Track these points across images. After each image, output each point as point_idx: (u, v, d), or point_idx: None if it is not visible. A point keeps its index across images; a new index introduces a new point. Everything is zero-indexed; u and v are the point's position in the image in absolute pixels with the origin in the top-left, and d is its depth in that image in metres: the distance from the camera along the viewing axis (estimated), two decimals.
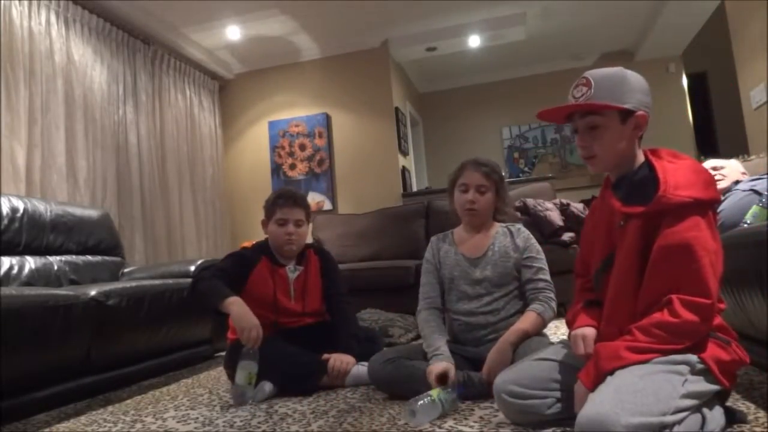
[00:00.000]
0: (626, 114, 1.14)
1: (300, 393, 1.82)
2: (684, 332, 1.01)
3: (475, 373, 1.59)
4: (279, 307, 2.01)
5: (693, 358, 1.01)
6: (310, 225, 2.27)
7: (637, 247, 1.11)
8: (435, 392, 1.41)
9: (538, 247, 1.78)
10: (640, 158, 1.19)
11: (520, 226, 1.82)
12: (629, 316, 1.11)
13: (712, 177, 1.10)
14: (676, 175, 1.08)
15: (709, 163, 2.42)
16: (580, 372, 1.10)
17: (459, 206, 1.76)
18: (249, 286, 2.00)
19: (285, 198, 2.05)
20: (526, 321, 1.62)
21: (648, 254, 1.08)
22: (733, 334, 1.09)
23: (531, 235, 1.79)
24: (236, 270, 2.00)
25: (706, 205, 1.05)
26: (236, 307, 1.79)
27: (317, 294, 2.12)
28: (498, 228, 1.80)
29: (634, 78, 1.17)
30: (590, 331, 1.20)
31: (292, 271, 2.08)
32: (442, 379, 1.50)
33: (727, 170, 2.34)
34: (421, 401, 1.37)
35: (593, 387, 1.03)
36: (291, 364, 1.85)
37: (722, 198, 2.17)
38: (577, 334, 1.20)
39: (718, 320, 1.09)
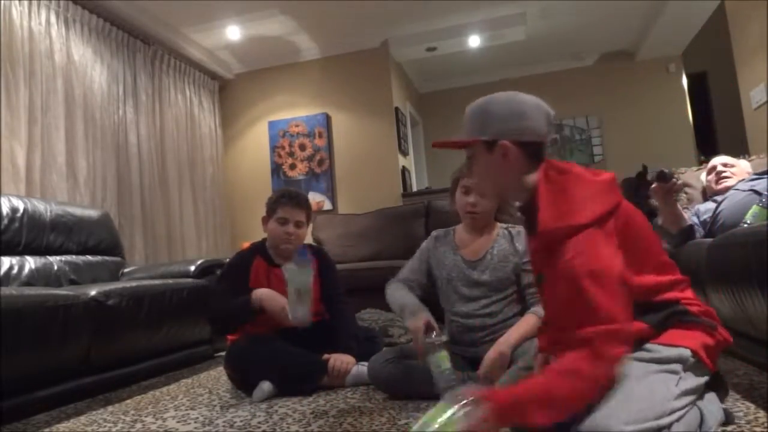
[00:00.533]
0: (490, 144, 1.12)
1: (300, 393, 1.82)
2: (605, 374, 0.93)
3: (474, 373, 1.59)
4: None
5: (686, 352, 1.00)
6: (310, 226, 2.27)
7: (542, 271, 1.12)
8: (441, 361, 1.34)
9: None
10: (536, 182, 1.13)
11: (520, 229, 1.79)
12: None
13: (599, 188, 1.04)
14: (552, 206, 1.04)
15: (719, 159, 2.41)
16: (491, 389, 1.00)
17: (460, 208, 1.75)
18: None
19: (288, 197, 2.06)
20: (526, 323, 1.61)
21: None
22: (717, 318, 1.08)
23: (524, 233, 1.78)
24: (235, 280, 2.01)
25: (584, 226, 0.99)
26: (264, 296, 1.85)
27: (315, 294, 2.08)
28: (499, 230, 1.78)
29: (499, 105, 1.14)
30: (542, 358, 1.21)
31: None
32: (428, 329, 1.44)
33: (737, 169, 2.34)
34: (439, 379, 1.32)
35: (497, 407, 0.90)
36: (291, 364, 1.85)
37: (724, 197, 2.17)
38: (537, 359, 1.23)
39: (703, 306, 1.07)
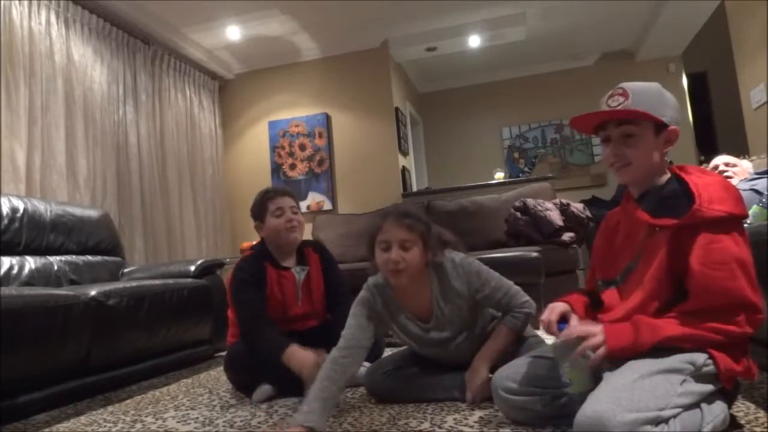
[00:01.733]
0: (660, 127, 1.17)
1: (301, 394, 1.81)
2: (734, 339, 1.03)
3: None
4: (287, 313, 1.99)
5: (700, 358, 1.02)
6: (310, 225, 2.27)
7: (665, 257, 1.11)
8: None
9: (476, 267, 1.55)
10: (666, 173, 1.21)
11: (449, 257, 1.56)
12: None
13: (740, 194, 1.11)
14: (709, 189, 1.09)
15: (721, 159, 2.42)
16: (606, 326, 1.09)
17: (381, 266, 1.52)
18: None
19: (273, 191, 2.07)
20: (498, 338, 1.55)
21: (674, 265, 1.09)
22: (747, 347, 1.10)
23: (466, 263, 1.56)
24: (261, 290, 1.93)
25: (738, 220, 1.07)
26: (294, 358, 1.71)
27: (320, 293, 2.08)
28: (429, 277, 1.56)
29: (669, 95, 1.22)
30: (562, 305, 1.25)
31: (298, 273, 2.03)
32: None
33: (739, 168, 2.34)
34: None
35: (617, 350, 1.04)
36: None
37: None
38: (549, 306, 1.26)
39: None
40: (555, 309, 1.24)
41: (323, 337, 1.96)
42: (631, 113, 1.16)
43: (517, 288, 1.58)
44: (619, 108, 1.17)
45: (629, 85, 1.19)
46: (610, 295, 1.25)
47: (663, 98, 1.19)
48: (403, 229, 1.49)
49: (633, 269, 1.18)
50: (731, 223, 1.06)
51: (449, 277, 1.54)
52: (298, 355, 1.70)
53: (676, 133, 1.19)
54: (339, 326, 1.95)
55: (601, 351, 1.05)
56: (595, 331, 1.08)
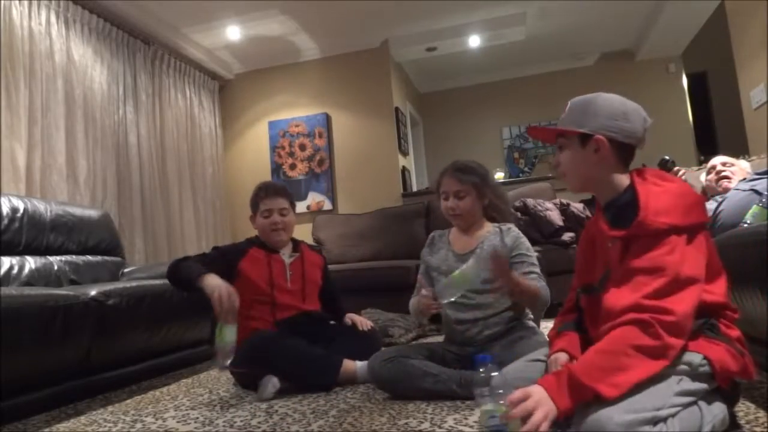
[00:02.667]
0: (585, 137, 1.17)
1: (318, 389, 1.82)
2: (656, 352, 0.97)
3: (470, 372, 1.59)
4: (276, 287, 2.02)
5: (696, 358, 1.02)
6: (310, 225, 2.31)
7: (618, 267, 1.12)
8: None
9: (528, 244, 1.79)
10: (625, 182, 1.19)
11: (510, 225, 1.83)
12: None
13: (698, 200, 1.09)
14: (658, 200, 1.07)
15: (718, 159, 2.42)
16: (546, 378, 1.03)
17: (444, 212, 1.82)
18: (243, 273, 2.02)
19: (265, 190, 2.12)
20: (528, 282, 1.61)
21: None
22: (746, 349, 1.10)
23: (521, 234, 1.81)
24: (219, 259, 2.02)
25: (685, 230, 1.05)
26: (209, 278, 1.79)
27: (315, 285, 2.16)
28: (489, 227, 1.83)
29: (603, 102, 1.19)
30: (562, 357, 1.21)
31: (287, 256, 2.13)
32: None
33: (736, 168, 2.34)
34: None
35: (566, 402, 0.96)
36: (307, 359, 1.84)
37: (724, 197, 2.17)
38: (550, 361, 1.23)
39: (737, 332, 1.10)
40: (557, 362, 1.18)
41: (317, 331, 1.99)
42: (542, 130, 1.26)
43: (542, 276, 1.73)
44: (557, 121, 1.23)
45: (575, 99, 1.24)
46: (588, 301, 1.26)
47: (590, 108, 1.18)
48: (456, 181, 1.77)
49: (609, 277, 1.18)
50: (675, 233, 1.04)
51: (504, 234, 1.79)
52: (214, 281, 1.77)
53: (602, 142, 1.15)
54: (337, 308, 2.22)
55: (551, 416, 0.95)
56: (533, 402, 0.96)
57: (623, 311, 1.01)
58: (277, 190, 2.13)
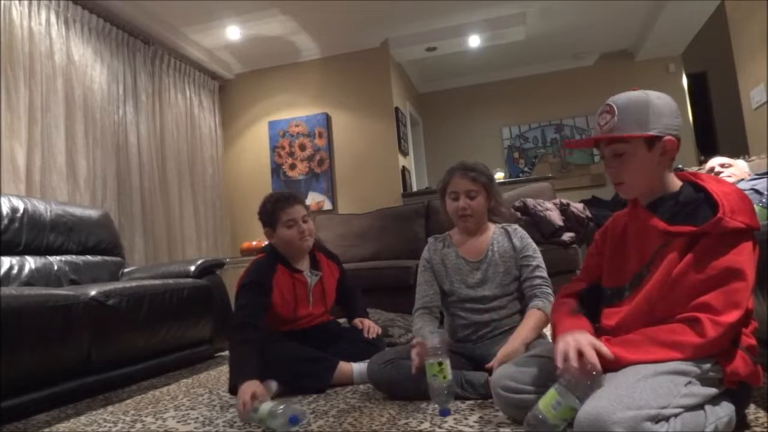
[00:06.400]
0: (653, 140, 1.14)
1: (312, 391, 1.82)
2: (704, 350, 1.01)
3: (474, 373, 1.59)
4: (297, 315, 2.03)
5: (706, 364, 1.02)
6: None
7: (675, 264, 1.10)
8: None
9: (535, 245, 1.79)
10: (674, 181, 1.18)
11: (516, 226, 1.84)
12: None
13: (753, 204, 1.10)
14: (730, 199, 1.07)
15: (717, 160, 2.41)
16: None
17: (452, 213, 1.78)
18: (273, 292, 1.96)
19: (284, 200, 2.04)
20: (534, 318, 1.62)
21: (682, 273, 1.08)
22: (756, 352, 1.09)
23: (527, 234, 1.82)
24: (263, 291, 1.93)
25: (753, 232, 1.06)
26: (245, 386, 1.58)
27: (332, 299, 2.20)
28: (494, 229, 1.82)
29: (660, 101, 1.16)
30: (588, 338, 1.11)
31: (310, 277, 2.07)
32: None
33: (735, 169, 2.34)
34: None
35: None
36: (302, 361, 1.85)
37: None
38: (570, 342, 1.10)
39: (752, 340, 1.09)
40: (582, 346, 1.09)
41: (321, 338, 2.00)
42: (612, 137, 1.15)
43: (547, 279, 1.74)
44: (605, 128, 1.16)
45: (616, 99, 1.17)
46: (609, 310, 1.23)
47: (650, 109, 1.14)
48: (468, 181, 1.74)
49: (644, 276, 1.16)
50: (748, 235, 1.05)
51: (511, 235, 1.79)
52: (246, 387, 1.56)
53: (672, 143, 1.14)
54: (352, 303, 2.27)
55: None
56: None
57: (696, 308, 1.03)
58: (295, 199, 2.06)
